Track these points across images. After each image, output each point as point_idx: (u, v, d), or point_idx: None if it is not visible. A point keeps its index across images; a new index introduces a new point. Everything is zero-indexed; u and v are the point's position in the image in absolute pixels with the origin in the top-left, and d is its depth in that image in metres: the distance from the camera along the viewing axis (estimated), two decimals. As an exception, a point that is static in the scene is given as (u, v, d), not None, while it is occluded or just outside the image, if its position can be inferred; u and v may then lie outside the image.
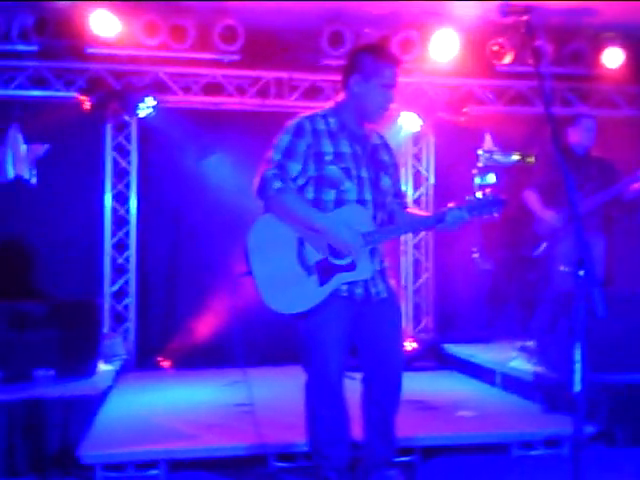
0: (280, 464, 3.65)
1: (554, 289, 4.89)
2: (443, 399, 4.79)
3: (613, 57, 6.60)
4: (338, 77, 3.11)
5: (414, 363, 5.75)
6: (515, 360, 5.15)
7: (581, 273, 2.30)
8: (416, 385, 4.70)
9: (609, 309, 2.29)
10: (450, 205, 3.01)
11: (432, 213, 3.24)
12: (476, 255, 6.80)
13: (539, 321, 5.02)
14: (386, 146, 3.19)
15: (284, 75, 6.34)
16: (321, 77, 6.36)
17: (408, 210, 3.24)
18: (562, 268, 4.50)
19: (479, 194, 3.09)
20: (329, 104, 3.14)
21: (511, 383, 4.98)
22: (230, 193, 5.67)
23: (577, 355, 2.32)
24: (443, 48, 6.25)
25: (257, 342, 5.46)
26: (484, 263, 6.85)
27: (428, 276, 6.94)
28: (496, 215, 3.03)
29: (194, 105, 6.33)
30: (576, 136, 4.98)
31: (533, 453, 3.93)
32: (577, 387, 2.35)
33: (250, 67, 6.23)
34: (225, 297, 5.37)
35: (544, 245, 5.07)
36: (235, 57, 6.05)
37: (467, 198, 3.04)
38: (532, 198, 5.09)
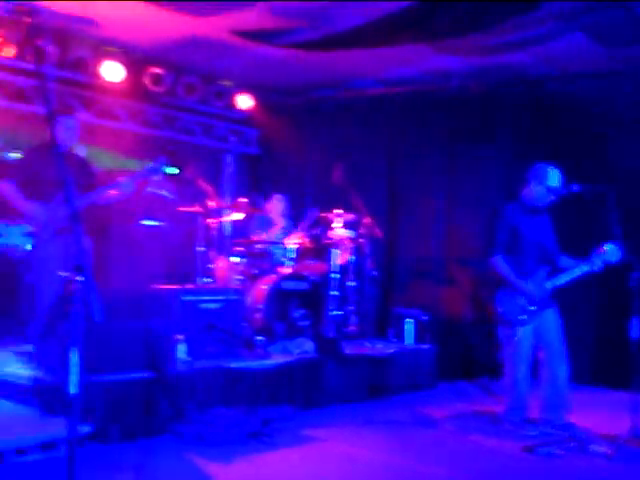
0: None
1: (51, 293, 4.84)
2: None
3: (113, 71, 6.88)
4: None
5: None
6: (12, 365, 4.97)
7: (80, 279, 2.37)
8: None
9: (107, 312, 2.43)
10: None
11: None
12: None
13: (36, 325, 4.94)
14: None
15: None
16: None
17: None
18: (61, 273, 4.50)
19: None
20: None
21: (8, 389, 4.79)
22: None
23: (74, 358, 2.39)
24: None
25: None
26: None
27: None
28: None
29: None
30: (58, 133, 4.87)
31: (29, 459, 3.87)
32: (73, 389, 2.42)
33: None
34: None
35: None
36: None
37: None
38: (10, 191, 4.95)
